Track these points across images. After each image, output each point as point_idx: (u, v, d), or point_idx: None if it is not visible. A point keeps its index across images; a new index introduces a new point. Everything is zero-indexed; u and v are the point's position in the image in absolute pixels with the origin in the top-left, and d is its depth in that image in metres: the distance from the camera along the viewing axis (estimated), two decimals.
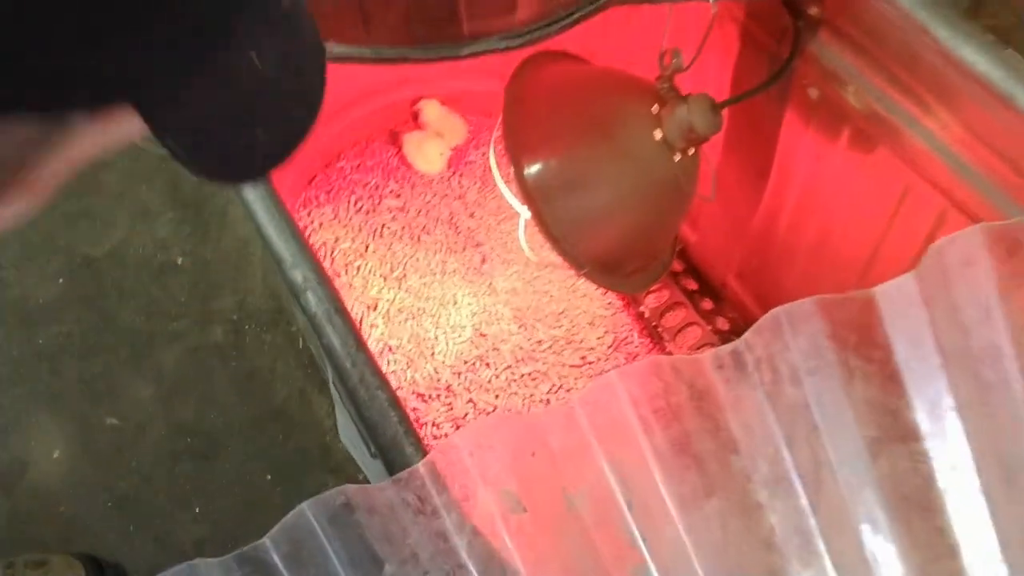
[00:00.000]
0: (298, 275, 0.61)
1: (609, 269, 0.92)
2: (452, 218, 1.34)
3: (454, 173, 1.40)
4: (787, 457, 0.44)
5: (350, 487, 0.48)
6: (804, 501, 0.46)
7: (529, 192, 0.88)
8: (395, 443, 0.55)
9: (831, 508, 0.46)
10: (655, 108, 0.89)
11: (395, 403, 0.56)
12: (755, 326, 0.51)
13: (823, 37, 0.85)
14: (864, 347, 0.49)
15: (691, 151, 0.91)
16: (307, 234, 1.31)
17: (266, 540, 0.51)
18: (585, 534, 0.47)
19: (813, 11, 0.85)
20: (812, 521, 0.46)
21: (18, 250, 1.38)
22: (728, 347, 0.50)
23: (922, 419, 0.47)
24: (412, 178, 1.39)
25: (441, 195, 1.37)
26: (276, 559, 0.50)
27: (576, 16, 0.80)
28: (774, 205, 1.05)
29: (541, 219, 0.88)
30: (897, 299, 0.49)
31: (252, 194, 0.64)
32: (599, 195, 0.88)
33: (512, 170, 0.88)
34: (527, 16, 0.79)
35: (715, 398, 0.46)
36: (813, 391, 0.45)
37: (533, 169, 0.88)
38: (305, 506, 0.49)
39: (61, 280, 1.36)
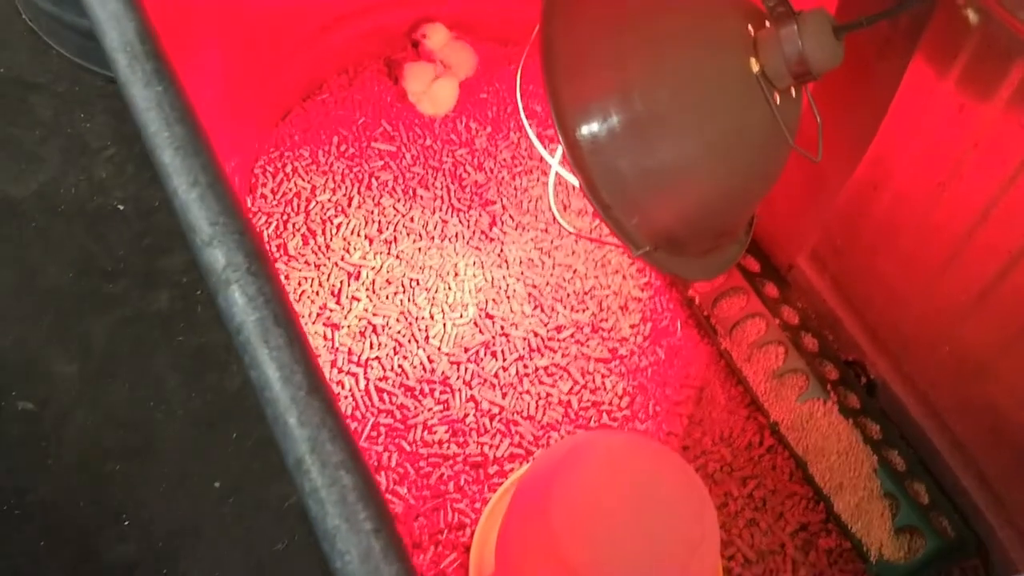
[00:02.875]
0: (218, 256, 0.37)
1: (673, 249, 0.68)
2: (456, 169, 1.10)
3: (460, 114, 1.15)
4: None
5: None
6: None
7: (571, 138, 0.64)
8: (367, 563, 0.31)
9: None
10: (751, 28, 0.64)
11: (370, 492, 0.33)
12: None
13: None
14: None
15: (794, 91, 0.66)
16: (277, 181, 1.07)
17: None
18: None
19: None
20: None
21: None
22: None
23: None
24: (409, 117, 1.14)
25: (444, 140, 1.13)
26: None
27: None
28: (877, 171, 0.81)
29: (586, 177, 0.64)
30: None
31: (154, 114, 0.40)
32: (669, 146, 0.64)
33: (551, 105, 0.64)
34: None
35: None
36: None
37: (579, 106, 0.64)
38: None
39: None
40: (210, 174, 0.39)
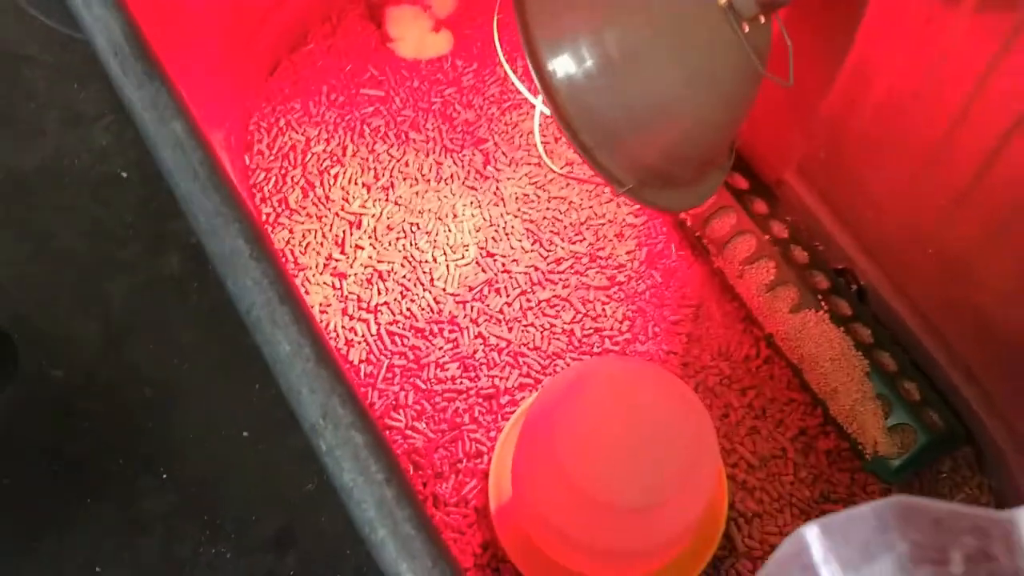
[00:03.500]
0: (223, 245, 0.40)
1: (657, 182, 0.70)
2: (445, 109, 1.12)
3: (445, 52, 1.16)
4: None
5: None
6: None
7: (547, 82, 0.66)
8: (382, 509, 0.35)
9: None
10: None
11: (380, 447, 0.37)
12: None
13: None
14: None
15: (763, 18, 0.68)
16: (272, 136, 1.09)
17: None
18: None
19: None
20: None
21: None
22: None
23: None
24: (394, 60, 1.15)
25: (431, 80, 1.14)
26: None
27: None
28: (854, 86, 0.82)
29: (565, 120, 0.66)
30: None
31: (149, 113, 0.42)
32: (642, 83, 0.66)
33: (524, 49, 0.66)
34: None
35: None
36: None
37: (554, 47, 0.65)
38: None
39: None
40: (207, 167, 0.41)
